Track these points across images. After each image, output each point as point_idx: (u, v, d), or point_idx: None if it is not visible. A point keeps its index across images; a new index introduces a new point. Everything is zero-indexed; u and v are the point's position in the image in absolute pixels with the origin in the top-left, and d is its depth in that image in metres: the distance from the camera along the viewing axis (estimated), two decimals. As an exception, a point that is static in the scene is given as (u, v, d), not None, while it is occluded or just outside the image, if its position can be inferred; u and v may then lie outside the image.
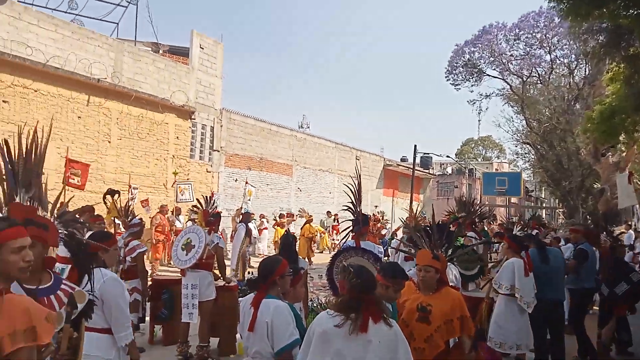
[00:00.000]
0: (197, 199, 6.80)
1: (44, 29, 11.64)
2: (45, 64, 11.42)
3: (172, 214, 13.38)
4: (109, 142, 13.22)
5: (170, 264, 12.00)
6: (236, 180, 17.34)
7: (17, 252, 1.89)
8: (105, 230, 6.21)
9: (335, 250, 8.38)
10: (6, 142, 2.47)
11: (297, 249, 5.79)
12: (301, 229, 15.70)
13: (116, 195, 7.41)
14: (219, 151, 16.84)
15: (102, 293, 2.82)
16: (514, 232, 8.26)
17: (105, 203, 7.67)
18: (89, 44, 12.61)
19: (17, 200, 2.38)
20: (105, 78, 12.82)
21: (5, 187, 2.44)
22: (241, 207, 13.14)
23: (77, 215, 3.33)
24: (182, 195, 13.61)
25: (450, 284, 4.26)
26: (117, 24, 15.57)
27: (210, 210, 6.25)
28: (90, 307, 2.39)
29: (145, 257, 6.58)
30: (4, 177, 2.43)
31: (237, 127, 17.74)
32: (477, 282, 6.30)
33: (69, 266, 2.57)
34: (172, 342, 5.93)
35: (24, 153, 2.48)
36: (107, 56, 13.02)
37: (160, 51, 16.30)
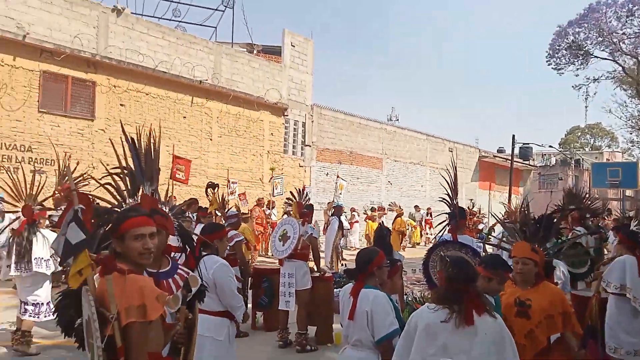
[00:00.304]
0: (290, 192, 7.07)
1: (153, 36, 12.71)
2: (154, 69, 12.47)
3: (268, 207, 14.00)
4: (210, 139, 14.12)
5: (269, 254, 12.58)
6: (327, 174, 17.64)
7: (138, 239, 2.11)
8: (216, 222, 6.66)
9: (430, 244, 8.22)
10: (133, 140, 2.76)
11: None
12: (393, 222, 15.60)
13: (216, 188, 7.90)
14: (310, 146, 17.25)
15: (215, 278, 3.08)
16: (630, 228, 7.52)
17: (207, 196, 8.20)
18: (191, 48, 13.55)
19: (143, 192, 2.63)
20: (207, 80, 13.70)
21: (128, 181, 2.69)
22: (333, 201, 13.36)
23: (183, 208, 3.68)
24: (276, 189, 14.21)
25: (558, 282, 4.02)
26: (216, 28, 16.57)
27: (303, 202, 6.48)
28: (202, 291, 2.59)
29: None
30: (133, 171, 2.69)
31: (327, 122, 18.02)
32: (586, 281, 5.85)
33: (181, 254, 2.81)
34: (272, 328, 6.25)
35: (144, 150, 2.75)
36: (207, 59, 13.89)
37: (255, 51, 17.03)
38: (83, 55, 11.21)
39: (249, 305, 6.73)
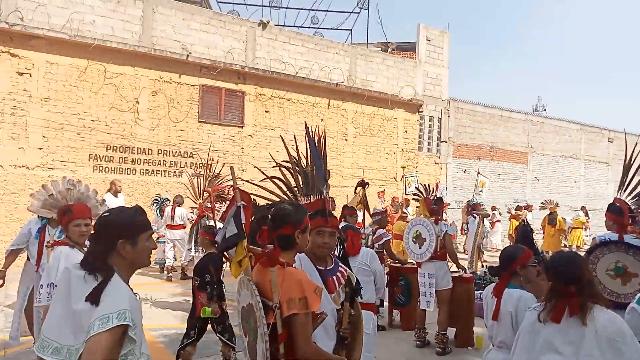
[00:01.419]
0: (416, 188, 6.90)
1: (293, 45, 13.54)
2: (295, 75, 13.29)
3: (402, 205, 13.95)
4: (346, 140, 14.56)
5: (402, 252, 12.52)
6: (465, 171, 16.95)
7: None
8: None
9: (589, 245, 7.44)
10: (313, 141, 2.82)
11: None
12: (547, 220, 14.30)
13: (366, 187, 8.07)
14: (446, 142, 16.75)
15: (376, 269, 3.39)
16: None
17: (356, 193, 8.37)
18: (328, 52, 14.12)
19: (324, 194, 2.71)
20: (343, 82, 14.16)
21: (300, 180, 2.82)
22: (472, 198, 12.80)
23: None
24: (409, 187, 14.09)
25: None
26: (351, 30, 17.04)
27: (431, 198, 6.28)
28: (359, 288, 2.69)
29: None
30: (306, 170, 2.80)
31: (465, 116, 17.31)
32: None
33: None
34: (409, 327, 6.25)
35: (320, 152, 2.82)
36: (343, 62, 14.35)
37: (389, 49, 17.08)
38: (234, 68, 12.42)
39: (385, 303, 6.84)
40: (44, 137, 10.24)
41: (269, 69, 12.95)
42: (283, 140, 3.13)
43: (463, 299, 5.88)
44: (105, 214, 2.03)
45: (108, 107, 10.97)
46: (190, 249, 7.30)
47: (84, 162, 10.67)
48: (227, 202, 7.78)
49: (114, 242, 1.94)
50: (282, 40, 13.39)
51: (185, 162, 11.94)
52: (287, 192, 2.85)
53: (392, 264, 7.58)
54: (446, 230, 5.84)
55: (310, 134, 2.82)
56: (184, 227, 9.41)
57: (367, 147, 14.94)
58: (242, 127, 12.79)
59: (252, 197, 2.29)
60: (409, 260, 6.83)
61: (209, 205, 7.00)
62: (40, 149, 10.22)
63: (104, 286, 1.86)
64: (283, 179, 2.89)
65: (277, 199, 2.84)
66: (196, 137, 12.12)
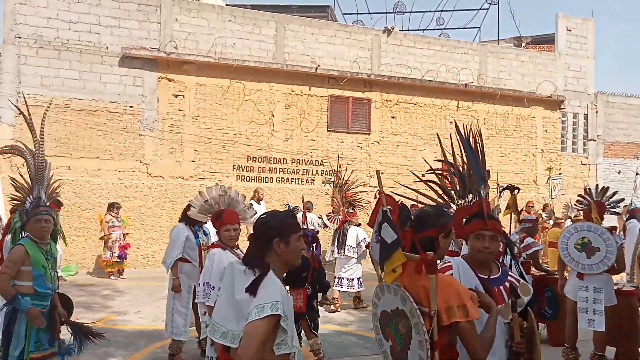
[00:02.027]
0: (585, 190, 6.04)
1: (419, 48, 13.37)
2: (421, 79, 13.09)
3: (543, 210, 12.82)
4: (478, 142, 13.88)
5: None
6: (619, 172, 15.04)
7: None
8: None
9: None
10: (468, 140, 2.67)
11: None
12: None
13: (517, 191, 7.56)
14: (595, 140, 15.04)
15: None
16: None
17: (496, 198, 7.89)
18: (455, 53, 13.66)
19: (483, 195, 2.57)
20: (472, 82, 13.57)
21: (456, 182, 2.73)
22: (631, 202, 11.30)
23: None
24: (554, 190, 12.91)
25: None
26: (479, 28, 16.28)
27: (604, 202, 5.49)
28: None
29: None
30: (462, 172, 2.69)
31: (617, 111, 15.38)
32: None
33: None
34: (557, 342, 5.72)
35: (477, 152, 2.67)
36: (472, 61, 13.76)
37: (523, 44, 15.96)
38: (360, 77, 12.66)
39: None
40: (195, 150, 11.50)
41: (395, 75, 12.94)
42: (439, 139, 3.07)
43: (625, 314, 5.21)
44: (262, 217, 2.24)
45: (247, 122, 11.93)
46: (333, 250, 7.88)
47: (229, 172, 11.74)
48: (355, 208, 8.00)
49: (270, 241, 2.14)
50: (407, 45, 13.29)
51: (316, 170, 12.45)
52: (443, 196, 2.80)
53: (534, 274, 7.01)
54: (621, 243, 5.06)
55: (463, 133, 2.70)
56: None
57: (501, 148, 14.08)
58: (369, 134, 12.94)
59: (398, 200, 2.29)
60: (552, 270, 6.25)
61: (352, 210, 7.74)
62: (193, 161, 11.49)
63: (262, 279, 2.06)
64: (437, 181, 2.86)
65: (430, 202, 2.79)
66: (326, 145, 12.57)
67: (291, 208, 10.63)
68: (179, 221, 5.45)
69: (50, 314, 3.80)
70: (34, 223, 3.68)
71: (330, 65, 12.51)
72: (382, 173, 2.42)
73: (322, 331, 5.00)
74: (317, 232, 9.89)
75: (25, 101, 5.00)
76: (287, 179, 12.21)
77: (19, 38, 10.41)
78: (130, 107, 11.09)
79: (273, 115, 12.16)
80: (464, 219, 2.52)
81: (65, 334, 3.95)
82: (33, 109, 10.63)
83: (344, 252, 7.65)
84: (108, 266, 9.77)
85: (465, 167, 2.67)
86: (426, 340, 1.99)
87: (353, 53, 12.77)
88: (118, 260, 9.73)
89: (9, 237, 4.18)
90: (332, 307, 7.58)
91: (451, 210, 2.67)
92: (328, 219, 8.14)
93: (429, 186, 2.91)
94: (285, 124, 12.27)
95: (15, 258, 3.61)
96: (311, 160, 12.45)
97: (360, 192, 8.30)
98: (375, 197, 2.28)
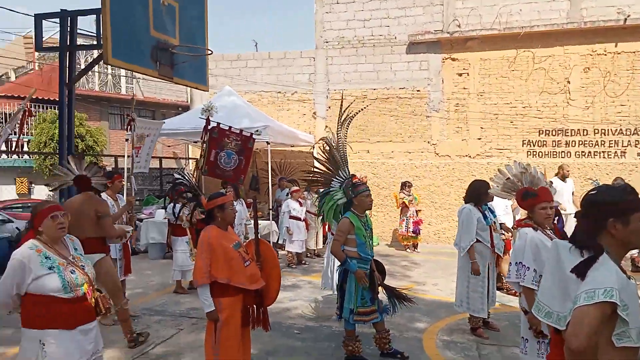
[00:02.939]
0: None
1: None
2: None
3: None
4: None
5: None
6: None
7: None
8: None
9: None
10: None
11: None
12: None
13: None
14: None
15: None
16: None
17: None
18: None
19: None
20: None
21: None
22: None
23: None
24: None
25: None
26: None
27: None
28: None
29: None
30: None
31: None
32: None
33: None
34: None
35: None
36: None
37: None
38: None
39: None
40: (481, 128, 11.32)
41: None
42: None
43: None
44: (592, 193, 2.07)
45: (538, 92, 10.99)
46: None
47: (518, 148, 11.12)
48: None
49: (604, 221, 1.96)
50: None
51: (628, 141, 10.54)
52: None
53: None
54: None
55: None
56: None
57: None
58: None
59: None
60: None
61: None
62: (479, 139, 11.35)
63: (592, 262, 1.91)
64: None
65: None
66: (640, 110, 10.49)
67: (597, 183, 9.41)
68: (465, 201, 5.46)
69: (370, 276, 4.45)
70: (363, 198, 4.42)
71: (646, 12, 10.30)
72: None
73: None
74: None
75: (342, 97, 5.88)
76: (589, 152, 10.74)
77: (326, 42, 12.28)
78: (417, 91, 11.70)
79: (569, 82, 10.84)
80: None
81: (379, 296, 4.56)
82: (338, 102, 12.36)
83: None
84: (404, 239, 10.69)
85: None
86: None
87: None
88: (413, 234, 10.52)
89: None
90: None
91: None
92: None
93: None
94: (584, 90, 10.79)
95: (344, 228, 4.37)
96: (620, 130, 10.60)
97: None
98: None
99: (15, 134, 5.56)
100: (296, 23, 75.87)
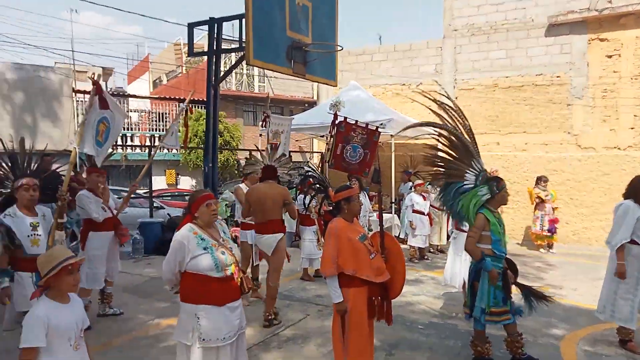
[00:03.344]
0: None
1: None
2: None
3: None
4: None
5: None
6: None
7: None
8: None
9: None
10: None
11: None
12: None
13: None
14: None
15: None
16: None
17: None
18: None
19: None
20: None
21: None
22: None
23: None
24: None
25: None
26: None
27: None
28: None
29: None
30: None
31: None
32: None
33: None
34: None
35: None
36: None
37: None
38: None
39: None
40: (635, 116, 9.97)
41: None
42: None
43: None
44: None
45: None
46: None
47: (682, 139, 9.61)
48: None
49: None
50: None
51: None
52: None
53: None
54: None
55: None
56: None
57: None
58: None
59: None
60: None
61: None
62: (632, 128, 10.01)
63: None
64: None
65: None
66: None
67: None
68: (625, 198, 4.88)
69: (503, 275, 4.21)
70: (504, 193, 4.27)
71: None
72: None
73: None
74: None
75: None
76: None
77: (455, 30, 11.79)
78: (557, 77, 10.68)
79: None
80: None
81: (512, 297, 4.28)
82: (466, 92, 11.86)
83: None
84: (538, 239, 9.90)
85: None
86: None
87: None
88: (548, 234, 9.70)
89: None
90: None
91: None
92: None
93: None
94: None
95: (479, 224, 4.19)
96: None
97: None
98: None
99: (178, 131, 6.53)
100: (419, 15, 74.03)
